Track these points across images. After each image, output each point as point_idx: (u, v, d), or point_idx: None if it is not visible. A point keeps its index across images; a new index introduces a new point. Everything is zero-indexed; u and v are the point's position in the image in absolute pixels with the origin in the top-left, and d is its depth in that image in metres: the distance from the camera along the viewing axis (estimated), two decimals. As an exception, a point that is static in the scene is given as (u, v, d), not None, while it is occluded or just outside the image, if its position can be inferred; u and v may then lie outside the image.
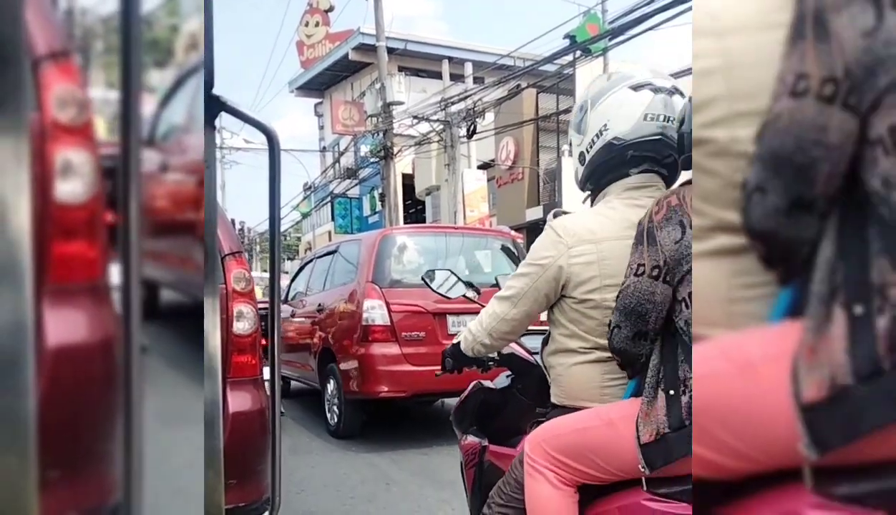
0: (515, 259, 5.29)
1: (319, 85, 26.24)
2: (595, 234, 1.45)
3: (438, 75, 16.39)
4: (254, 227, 30.25)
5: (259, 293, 8.54)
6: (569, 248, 1.46)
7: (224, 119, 27.13)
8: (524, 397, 1.75)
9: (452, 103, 13.38)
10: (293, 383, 6.76)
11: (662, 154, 1.46)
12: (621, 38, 9.33)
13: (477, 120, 13.37)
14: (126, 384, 0.63)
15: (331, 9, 23.47)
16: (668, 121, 1.43)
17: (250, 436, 2.25)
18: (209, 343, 0.89)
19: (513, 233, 6.48)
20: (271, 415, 1.05)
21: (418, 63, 21.93)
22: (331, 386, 5.03)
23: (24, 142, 0.53)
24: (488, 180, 18.02)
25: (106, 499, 0.79)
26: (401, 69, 20.46)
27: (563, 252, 1.46)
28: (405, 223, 16.46)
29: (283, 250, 35.01)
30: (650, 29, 8.58)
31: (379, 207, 17.72)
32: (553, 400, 1.54)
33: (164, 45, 1.07)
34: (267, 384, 2.44)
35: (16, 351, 0.53)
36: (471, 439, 1.92)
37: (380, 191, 15.05)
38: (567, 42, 10.57)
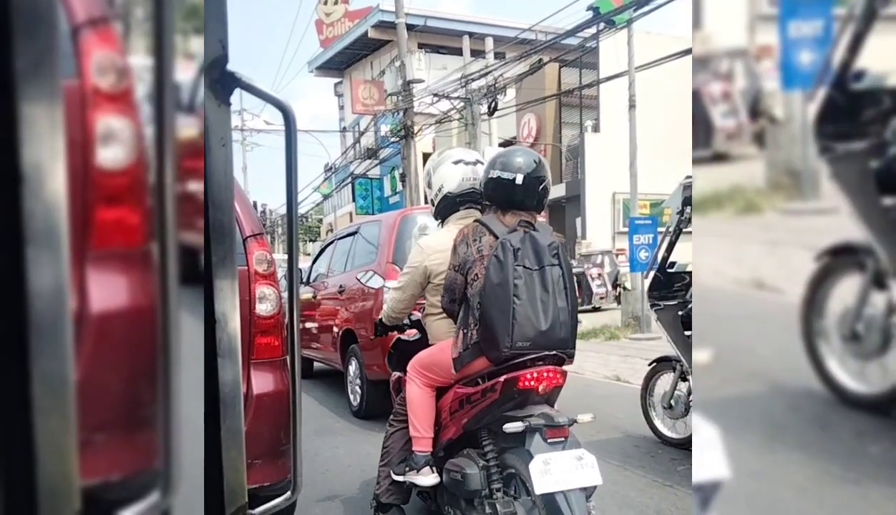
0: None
1: (339, 64, 26.14)
2: (442, 246, 2.44)
3: (459, 51, 16.17)
4: (276, 209, 30.52)
5: (280, 274, 8.60)
6: (428, 256, 2.51)
7: (244, 101, 27.27)
8: (424, 344, 2.69)
9: (473, 80, 13.19)
10: (316, 364, 6.82)
11: (474, 198, 2.54)
12: (646, 8, 9.07)
13: (498, 96, 13.17)
14: (164, 350, 0.65)
15: (350, -14, 23.27)
16: (475, 181, 2.51)
17: (274, 417, 2.26)
18: (228, 324, 0.89)
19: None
20: (291, 397, 1.04)
21: (438, 39, 21.68)
22: (353, 368, 5.05)
23: (59, 108, 0.53)
24: (510, 158, 17.84)
25: (149, 463, 0.79)
26: (421, 46, 20.29)
27: (425, 258, 2.51)
28: (426, 203, 16.37)
29: (304, 232, 35.47)
30: (676, -2, 8.32)
31: (400, 187, 17.68)
32: (429, 341, 2.63)
33: (203, 12, 1.05)
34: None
35: (55, 316, 0.54)
36: (396, 374, 2.87)
37: (400, 171, 14.99)
38: (590, 14, 10.32)
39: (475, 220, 2.34)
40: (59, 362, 0.54)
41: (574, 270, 10.89)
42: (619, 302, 12.44)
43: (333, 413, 5.27)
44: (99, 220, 0.94)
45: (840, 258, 2.71)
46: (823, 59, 2.47)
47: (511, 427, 2.07)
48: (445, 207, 2.58)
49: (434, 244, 2.52)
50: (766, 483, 2.31)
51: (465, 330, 2.22)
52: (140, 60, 0.94)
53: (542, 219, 2.39)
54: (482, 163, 2.49)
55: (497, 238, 2.19)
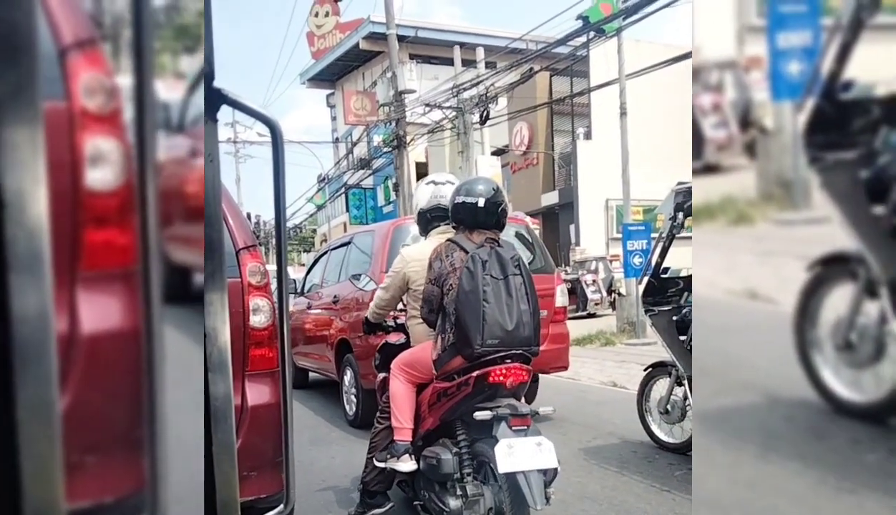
0: (529, 245, 5.22)
1: (331, 75, 26.20)
2: (421, 256, 2.77)
3: (450, 61, 16.23)
4: (269, 220, 30.38)
5: (274, 286, 8.49)
6: (408, 264, 2.85)
7: (237, 113, 27.25)
8: (407, 347, 2.96)
9: (465, 89, 13.24)
10: (311, 374, 6.79)
11: (441, 214, 2.88)
12: (636, 16, 9.14)
13: (490, 105, 13.22)
14: (149, 371, 0.65)
15: (340, -2, 23.33)
16: (441, 198, 2.88)
17: (269, 429, 2.25)
18: (219, 338, 0.89)
19: (527, 219, 6.41)
20: (283, 408, 1.04)
21: (429, 50, 21.78)
22: (348, 377, 5.03)
23: (40, 133, 0.53)
24: (502, 166, 17.89)
25: (139, 486, 0.79)
26: (412, 57, 20.36)
27: (405, 266, 2.86)
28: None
29: (299, 243, 35.32)
30: (665, 6, 8.41)
31: (393, 197, 17.69)
32: (411, 343, 2.93)
33: (193, 31, 1.05)
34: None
35: (39, 341, 0.53)
36: (382, 375, 3.10)
37: (393, 180, 15.00)
38: (580, 23, 10.40)
39: (447, 239, 2.65)
40: (44, 387, 0.54)
41: (569, 277, 10.96)
42: (613, 308, 12.46)
43: (329, 422, 5.24)
44: (88, 242, 0.94)
45: (832, 267, 2.73)
46: (812, 70, 2.49)
47: (480, 415, 2.36)
48: (422, 223, 3.00)
49: (414, 254, 2.87)
50: (762, 493, 2.32)
51: (442, 335, 2.54)
52: (129, 81, 0.94)
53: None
54: (452, 184, 2.87)
55: (467, 252, 2.50)
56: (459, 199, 2.61)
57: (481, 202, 2.56)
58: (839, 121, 2.47)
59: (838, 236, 2.56)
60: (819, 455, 2.42)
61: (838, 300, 2.70)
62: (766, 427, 2.65)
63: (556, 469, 2.28)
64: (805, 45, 2.61)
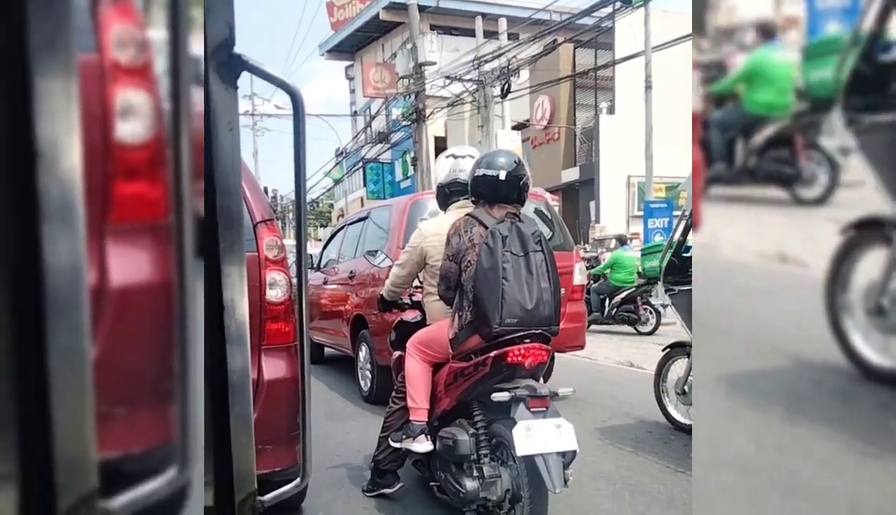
0: (548, 222, 5.14)
1: (350, 47, 25.98)
2: (440, 231, 2.68)
3: (472, 33, 15.98)
4: (286, 195, 30.52)
5: (291, 260, 8.57)
6: (425, 239, 2.78)
7: (255, 85, 27.18)
8: (423, 325, 2.92)
9: (486, 62, 13.04)
10: (326, 350, 6.82)
11: (459, 188, 2.81)
12: (662, -14, 8.86)
13: (511, 78, 13.01)
14: (182, 325, 0.65)
15: (361, -32, 23.04)
16: (459, 172, 2.82)
17: (285, 403, 2.27)
18: (237, 311, 0.89)
19: (546, 195, 6.31)
20: (301, 382, 1.03)
21: (451, 20, 21.45)
22: (363, 353, 5.03)
23: (74, 84, 0.54)
24: (523, 141, 17.68)
25: (167, 438, 0.80)
26: (433, 28, 20.09)
27: (422, 240, 2.79)
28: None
29: (315, 217, 35.58)
30: (693, -25, 8.13)
31: (411, 172, 17.62)
32: (427, 321, 2.88)
33: None
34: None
35: (71, 291, 0.54)
36: (397, 353, 3.08)
37: (412, 155, 14.92)
38: (605, -7, 10.12)
39: (466, 214, 2.56)
40: (76, 337, 0.55)
41: (588, 254, 10.78)
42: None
43: (344, 398, 5.27)
44: (118, 194, 0.94)
45: (866, 231, 2.66)
46: (852, 31, 2.38)
47: (498, 396, 2.30)
48: (441, 197, 2.93)
49: (432, 228, 2.80)
50: (789, 457, 2.29)
51: (460, 313, 2.46)
52: (160, 34, 0.92)
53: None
54: (472, 158, 2.78)
55: (487, 228, 2.42)
56: (480, 172, 2.53)
57: (502, 175, 2.48)
58: (878, 82, 2.39)
59: (873, 200, 2.48)
60: (846, 419, 2.40)
61: (871, 264, 2.65)
62: (795, 390, 2.64)
63: (574, 451, 2.22)
64: (845, 5, 2.50)
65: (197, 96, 0.99)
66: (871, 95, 2.39)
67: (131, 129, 0.93)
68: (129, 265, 0.91)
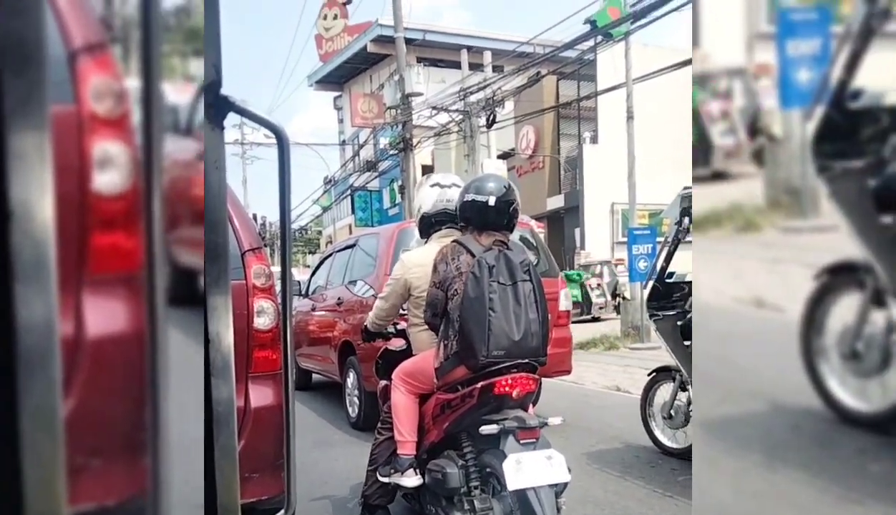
0: (534, 249, 5.22)
1: (339, 78, 26.27)
2: (423, 261, 2.64)
3: (457, 65, 16.25)
4: (275, 222, 30.34)
5: (279, 288, 8.50)
6: (408, 269, 2.71)
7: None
8: (409, 354, 2.87)
9: (471, 93, 13.25)
10: (314, 376, 6.80)
11: (447, 218, 2.75)
12: (643, 20, 9.13)
13: (496, 109, 13.22)
14: (152, 375, 0.65)
15: (349, 1, 23.42)
16: (448, 203, 2.73)
17: (272, 431, 2.25)
18: (222, 343, 0.90)
19: (532, 222, 6.40)
20: (285, 409, 1.04)
21: (437, 53, 21.81)
22: (351, 379, 5.04)
23: (47, 140, 0.54)
24: (508, 170, 17.88)
25: (142, 489, 0.79)
26: (419, 60, 20.38)
27: (406, 272, 2.72)
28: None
29: (304, 244, 35.30)
30: (674, 10, 8.39)
31: (399, 199, 17.71)
32: (413, 350, 2.82)
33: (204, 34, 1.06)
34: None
35: (44, 348, 0.54)
36: (382, 382, 3.05)
37: (399, 183, 15.03)
38: (588, 27, 10.38)
39: (453, 241, 2.52)
40: (48, 394, 0.54)
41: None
42: (618, 312, 12.42)
43: (332, 425, 5.25)
44: (95, 246, 0.94)
45: (839, 276, 2.70)
46: (821, 78, 2.47)
47: (486, 429, 2.24)
48: (424, 226, 2.86)
49: (415, 259, 2.74)
50: (768, 503, 2.31)
51: (445, 342, 2.41)
52: (137, 84, 0.94)
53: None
54: (458, 186, 2.72)
55: (474, 256, 2.36)
56: (469, 197, 2.47)
57: (492, 200, 2.42)
58: (848, 129, 2.44)
59: (846, 245, 2.52)
60: (824, 464, 2.40)
61: (845, 309, 2.68)
62: (772, 435, 2.64)
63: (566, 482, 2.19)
64: (815, 53, 2.59)
65: (181, 143, 1.03)
66: (842, 142, 2.42)
67: (108, 180, 0.93)
68: (105, 316, 0.91)
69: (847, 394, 2.67)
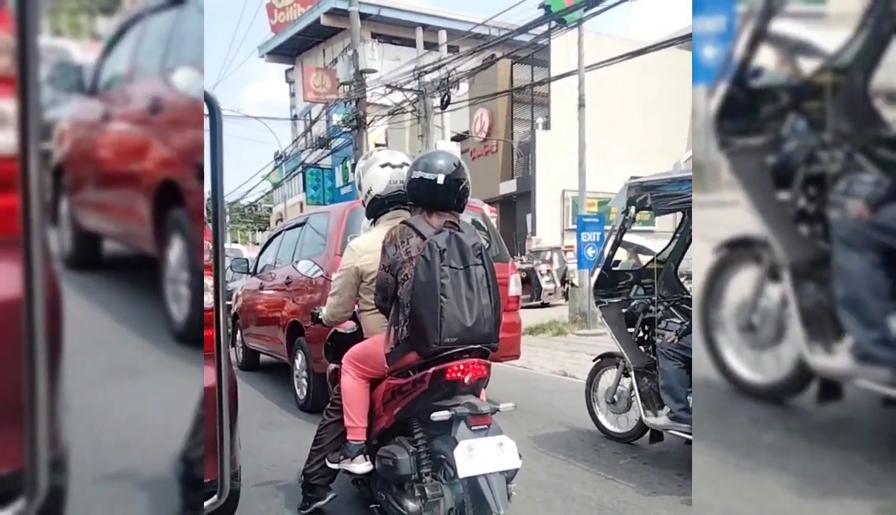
0: (485, 233, 5.24)
1: (291, 50, 25.60)
2: (372, 247, 2.57)
3: (412, 43, 16.07)
4: (224, 197, 29.47)
5: (227, 264, 8.35)
6: (358, 257, 2.65)
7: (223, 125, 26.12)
8: (359, 336, 2.82)
9: (426, 72, 13.14)
10: (262, 356, 6.68)
11: (402, 199, 2.65)
12: (597, 7, 9.22)
13: (451, 90, 13.17)
14: (30, 342, 0.62)
15: (302, -29, 22.78)
16: (401, 183, 2.62)
17: (212, 413, 2.20)
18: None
19: (484, 206, 6.42)
20: (218, 392, 1.00)
21: (392, 30, 21.50)
22: (299, 361, 4.97)
23: None
24: (462, 152, 17.87)
25: (19, 464, 0.74)
26: (374, 36, 20.04)
27: (356, 260, 2.65)
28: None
29: (254, 221, 34.34)
30: (625, 0, 8.50)
31: (351, 178, 17.47)
32: (363, 334, 2.76)
33: None
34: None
35: None
36: (332, 365, 2.99)
37: (352, 161, 14.82)
38: (542, 12, 10.42)
39: (402, 222, 2.43)
40: None
41: (524, 266, 11.22)
42: (566, 299, 12.67)
43: (279, 406, 5.18)
44: None
45: (737, 250, 2.76)
46: (725, 55, 2.50)
47: (438, 415, 2.19)
48: (375, 208, 2.75)
49: (364, 245, 2.67)
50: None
51: (396, 327, 2.36)
52: (44, 41, 0.86)
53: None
54: (408, 165, 2.59)
55: (424, 239, 2.29)
56: (417, 175, 2.37)
57: (441, 179, 2.33)
58: (749, 106, 2.48)
59: (745, 220, 2.58)
60: (721, 434, 2.46)
61: (743, 282, 2.76)
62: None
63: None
64: (720, 30, 2.60)
65: (86, 104, 0.95)
66: (743, 119, 2.47)
67: (4, 140, 0.88)
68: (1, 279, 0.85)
69: (743, 366, 2.77)
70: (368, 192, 2.74)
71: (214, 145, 0.88)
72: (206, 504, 0.95)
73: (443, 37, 14.66)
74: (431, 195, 2.37)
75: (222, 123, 0.89)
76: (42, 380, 1.12)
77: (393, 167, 2.70)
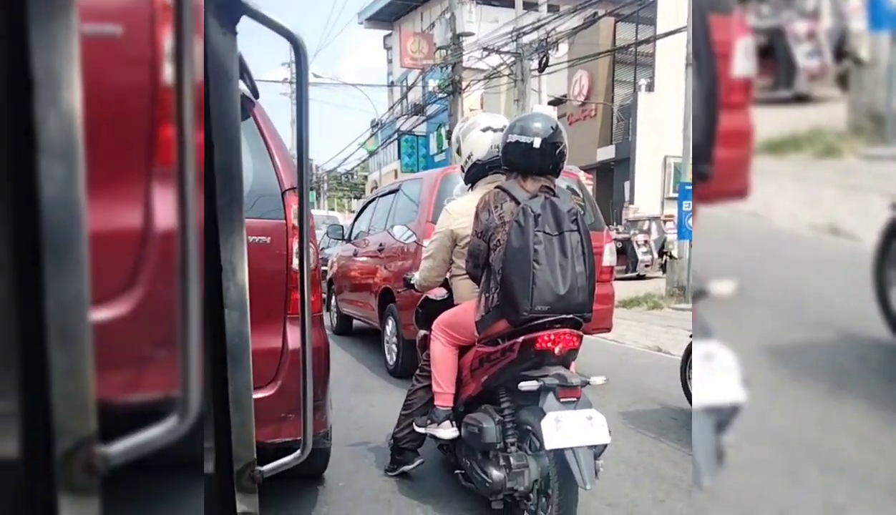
0: (579, 200, 5.07)
1: (389, 15, 25.76)
2: (468, 210, 2.51)
3: (511, 3, 15.66)
4: (321, 165, 30.61)
5: (324, 231, 8.69)
6: (454, 220, 2.64)
7: (293, 54, 26.96)
8: (450, 303, 2.83)
9: (524, 34, 12.79)
10: (355, 322, 6.90)
11: (500, 164, 2.52)
12: (710, -40, 8.51)
13: (549, 52, 12.75)
14: (183, 274, 0.64)
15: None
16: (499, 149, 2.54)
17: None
18: (236, 274, 0.86)
19: (580, 173, 6.21)
20: (302, 355, 1.01)
21: (490, -9, 21.05)
22: (390, 327, 5.08)
23: (74, 12, 0.52)
24: (559, 117, 17.38)
25: (172, 385, 0.80)
26: (472, -2, 19.73)
27: (451, 222, 2.65)
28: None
29: (350, 189, 35.36)
30: (744, -51, 7.77)
31: (445, 145, 17.51)
32: (454, 300, 2.77)
33: None
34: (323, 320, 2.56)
35: (69, 229, 0.52)
36: (422, 332, 3.01)
37: (447, 128, 14.79)
38: (650, -34, 9.79)
39: (496, 186, 2.38)
40: (76, 279, 0.52)
41: (620, 236, 10.65)
42: (664, 271, 12.14)
43: (370, 371, 5.34)
44: (164, 137, 0.95)
45: None
46: None
47: (526, 385, 2.16)
48: (476, 174, 2.69)
49: (460, 208, 2.64)
50: (830, 432, 2.25)
51: (486, 294, 2.33)
52: (325, 212, 0.87)
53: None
54: None
55: (518, 204, 2.24)
56: (512, 138, 2.31)
57: (537, 142, 2.26)
58: None
59: None
60: (890, 396, 2.34)
61: None
62: (839, 365, 2.56)
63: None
64: None
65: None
66: None
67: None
68: (171, 208, 0.90)
69: None
70: (469, 157, 2.67)
71: (301, 89, 0.88)
72: (290, 458, 0.96)
73: (542, -4, 14.18)
74: (527, 159, 2.30)
75: (307, 64, 0.86)
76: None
77: (494, 131, 2.63)
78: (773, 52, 10.89)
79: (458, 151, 2.74)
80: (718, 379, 1.57)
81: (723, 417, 1.53)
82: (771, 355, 2.56)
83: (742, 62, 2.58)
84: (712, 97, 1.58)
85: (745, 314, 2.84)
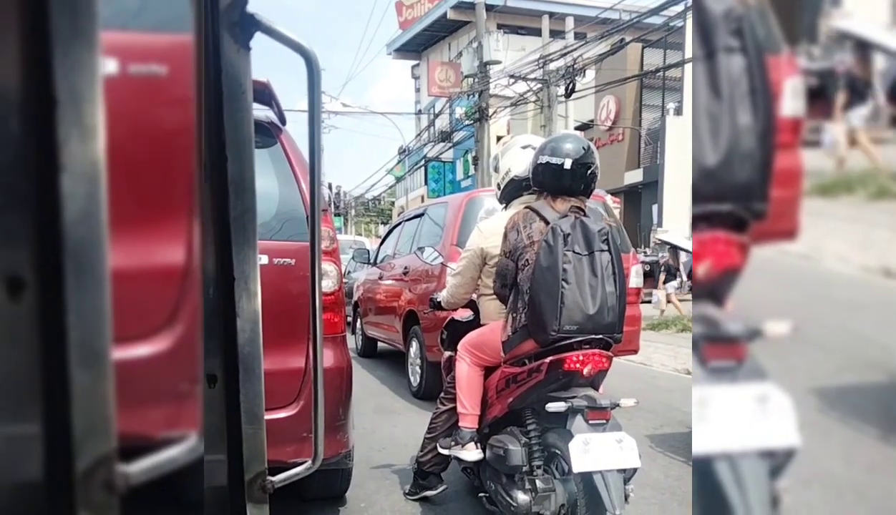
0: (610, 221, 5.04)
1: (417, 46, 26.22)
2: (500, 229, 2.42)
3: (538, 32, 15.83)
4: (350, 191, 31.05)
5: (350, 255, 8.74)
6: (486, 238, 2.59)
7: (325, 84, 27.76)
8: (475, 325, 2.78)
9: (551, 61, 12.89)
10: (380, 344, 6.92)
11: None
12: (736, -17, 8.51)
13: (576, 78, 12.80)
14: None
15: (430, -32, 23.22)
16: None
17: (332, 392, 2.29)
18: (249, 286, 0.85)
19: (607, 197, 6.18)
20: (314, 373, 1.01)
21: (518, 20, 21.33)
22: (414, 349, 5.08)
23: (95, 29, 0.52)
24: (586, 141, 17.37)
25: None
26: (499, 27, 20.00)
27: (483, 241, 2.60)
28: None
29: (377, 214, 35.64)
30: (770, -28, 7.76)
31: (472, 171, 17.61)
32: (481, 320, 2.73)
33: None
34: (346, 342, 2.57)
35: (90, 249, 0.52)
36: (447, 354, 2.96)
37: (473, 154, 14.90)
38: (675, -9, 9.82)
39: (525, 206, 2.35)
40: (97, 298, 0.52)
41: (648, 258, 10.50)
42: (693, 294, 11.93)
43: (394, 392, 5.33)
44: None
45: None
46: None
47: (554, 407, 2.11)
48: (511, 191, 2.65)
49: (492, 227, 2.59)
50: (881, 477, 2.18)
51: (514, 314, 2.29)
52: (351, 237, 0.87)
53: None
54: None
55: (548, 223, 2.21)
56: (543, 159, 2.28)
57: (568, 163, 2.23)
58: None
59: None
60: None
61: None
62: (890, 408, 2.50)
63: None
64: None
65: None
66: None
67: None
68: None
69: None
70: (506, 174, 2.65)
71: (312, 103, 0.88)
72: (301, 468, 0.97)
73: (570, 23, 14.32)
74: (557, 180, 2.27)
75: (320, 80, 0.88)
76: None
77: (533, 149, 2.62)
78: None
79: (496, 168, 2.74)
80: (774, 421, 1.45)
81: (778, 461, 1.41)
82: (820, 397, 2.49)
83: (791, 102, 2.35)
84: (769, 135, 1.54)
85: (794, 355, 2.74)
